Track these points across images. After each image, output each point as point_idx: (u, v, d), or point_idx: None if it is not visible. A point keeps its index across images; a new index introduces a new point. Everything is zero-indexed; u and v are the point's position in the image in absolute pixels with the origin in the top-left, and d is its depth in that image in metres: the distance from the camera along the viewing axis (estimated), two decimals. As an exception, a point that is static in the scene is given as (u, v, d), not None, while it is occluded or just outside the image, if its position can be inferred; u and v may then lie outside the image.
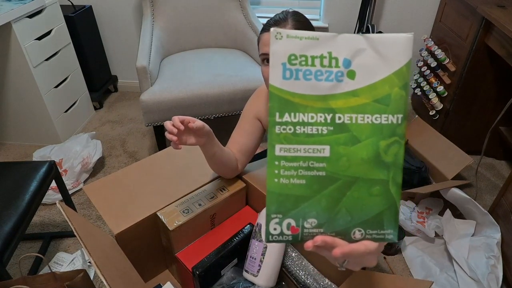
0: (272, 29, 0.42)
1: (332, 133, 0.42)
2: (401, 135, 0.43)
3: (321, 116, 0.42)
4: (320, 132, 0.42)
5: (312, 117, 0.42)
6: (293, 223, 0.43)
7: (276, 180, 0.42)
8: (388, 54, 0.42)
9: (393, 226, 0.44)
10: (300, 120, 0.42)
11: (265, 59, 0.90)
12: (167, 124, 0.80)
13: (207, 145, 0.91)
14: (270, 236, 0.43)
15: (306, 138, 0.42)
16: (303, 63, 0.42)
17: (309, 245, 0.43)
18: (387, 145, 0.43)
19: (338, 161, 0.42)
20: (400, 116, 0.43)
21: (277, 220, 0.42)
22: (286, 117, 0.42)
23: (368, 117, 0.43)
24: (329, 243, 0.44)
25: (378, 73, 0.42)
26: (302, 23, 0.89)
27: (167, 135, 0.81)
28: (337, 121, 0.42)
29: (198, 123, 0.82)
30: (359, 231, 0.44)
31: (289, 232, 0.43)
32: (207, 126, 0.87)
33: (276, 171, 0.42)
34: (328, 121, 0.42)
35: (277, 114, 0.42)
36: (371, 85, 0.42)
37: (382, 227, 0.44)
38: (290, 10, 0.93)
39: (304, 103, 0.42)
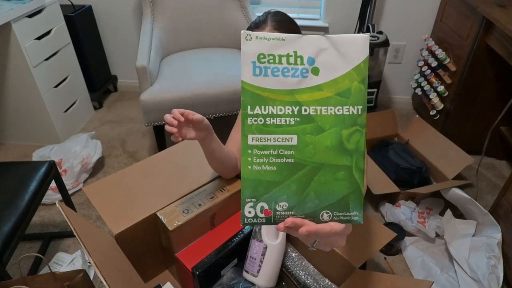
0: (242, 31, 0.46)
1: (299, 124, 0.47)
2: (361, 124, 0.47)
3: (288, 109, 0.47)
4: (288, 123, 0.47)
5: (281, 110, 0.47)
6: (266, 206, 0.47)
7: (249, 167, 0.46)
8: (348, 52, 0.47)
9: (358, 208, 0.48)
10: (270, 112, 0.47)
11: None
12: (167, 117, 0.80)
13: (206, 140, 0.91)
14: (246, 219, 0.47)
15: (275, 128, 0.46)
16: (271, 61, 0.46)
17: (280, 226, 0.47)
18: (349, 134, 0.47)
19: (305, 149, 0.47)
20: (360, 107, 0.47)
21: (251, 204, 0.47)
22: (257, 110, 0.46)
23: (331, 109, 0.47)
24: (298, 224, 0.47)
25: (339, 69, 0.47)
26: (281, 22, 0.91)
27: (167, 127, 0.81)
28: (303, 113, 0.47)
29: (197, 115, 0.83)
30: (327, 213, 0.48)
31: (262, 215, 0.47)
32: (206, 120, 0.88)
33: (249, 159, 0.46)
34: (295, 113, 0.47)
35: (249, 107, 0.46)
36: (333, 80, 0.47)
37: (348, 209, 0.48)
38: (272, 11, 0.94)
39: (273, 97, 0.46)
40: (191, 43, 2.19)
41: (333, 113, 0.47)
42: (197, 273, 0.96)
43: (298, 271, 1.02)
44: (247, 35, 0.46)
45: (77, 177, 1.83)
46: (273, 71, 0.46)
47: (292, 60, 0.47)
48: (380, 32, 2.06)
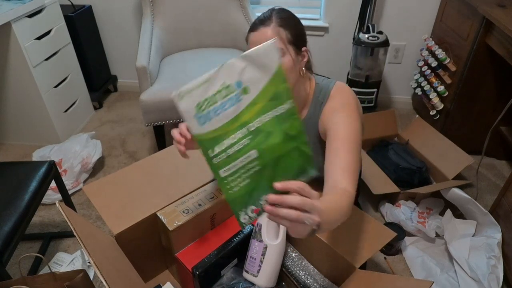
0: (173, 94, 0.49)
1: (252, 139, 0.53)
2: (294, 112, 0.55)
3: (239, 133, 0.53)
4: (244, 144, 0.53)
5: (234, 138, 0.52)
6: (253, 207, 0.55)
7: (230, 192, 0.53)
8: (264, 62, 0.52)
9: (312, 166, 0.59)
10: (227, 145, 0.52)
11: None
12: (175, 134, 0.82)
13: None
14: (244, 225, 0.55)
15: (237, 153, 0.52)
16: (209, 104, 0.51)
17: (267, 208, 0.53)
18: (289, 125, 0.55)
19: (264, 154, 0.54)
20: (289, 101, 0.55)
21: (243, 213, 0.54)
22: (216, 150, 0.52)
23: (269, 114, 0.54)
24: (278, 200, 0.53)
25: (263, 79, 0.53)
26: (285, 19, 0.91)
27: (175, 144, 0.84)
28: (251, 129, 0.53)
29: None
30: None
31: (254, 214, 0.55)
32: None
33: (227, 186, 0.53)
34: (246, 133, 0.53)
35: (209, 151, 0.52)
36: (261, 90, 0.53)
37: (307, 172, 0.58)
38: (276, 7, 0.94)
39: (224, 132, 0.52)
40: (191, 43, 2.19)
41: (272, 117, 0.54)
42: (197, 273, 0.96)
43: (298, 271, 1.01)
44: (177, 95, 0.49)
45: (77, 177, 1.83)
46: (215, 112, 0.51)
47: (224, 92, 0.51)
48: (380, 32, 2.06)
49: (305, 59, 0.96)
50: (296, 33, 0.92)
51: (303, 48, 0.95)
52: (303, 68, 0.97)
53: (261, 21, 0.92)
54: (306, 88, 1.01)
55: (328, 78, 1.06)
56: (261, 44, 0.51)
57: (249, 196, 0.54)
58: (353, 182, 0.86)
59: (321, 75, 1.06)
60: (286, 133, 0.55)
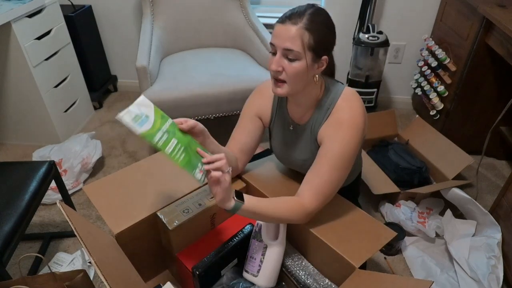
0: (118, 116, 0.77)
1: (169, 135, 0.82)
2: (175, 124, 0.86)
3: (160, 132, 0.81)
4: (166, 137, 0.81)
5: (160, 134, 0.80)
6: (198, 170, 0.84)
7: (179, 161, 0.80)
8: (146, 105, 0.83)
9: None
10: (159, 137, 0.80)
11: (272, 49, 0.90)
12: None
13: (204, 144, 0.93)
14: (199, 181, 0.84)
15: (167, 141, 0.81)
16: (137, 119, 0.79)
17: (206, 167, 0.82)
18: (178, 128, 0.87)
19: (180, 141, 0.84)
20: (169, 119, 0.86)
21: (195, 172, 0.83)
22: (155, 139, 0.79)
23: (166, 124, 0.84)
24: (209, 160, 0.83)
25: (150, 112, 0.83)
26: (316, 23, 0.85)
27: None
28: (164, 130, 0.82)
29: (189, 122, 0.87)
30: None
31: (200, 174, 0.84)
32: (200, 124, 0.90)
33: (175, 158, 0.80)
34: (163, 132, 0.82)
35: (153, 140, 0.79)
36: (154, 116, 0.83)
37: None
38: (316, 6, 0.89)
39: (153, 131, 0.80)
40: (191, 43, 2.19)
41: (169, 124, 0.84)
42: (197, 273, 0.96)
43: (298, 271, 1.02)
44: (121, 115, 0.78)
45: (77, 177, 1.83)
46: (142, 123, 0.79)
47: (138, 117, 0.80)
48: (380, 32, 2.06)
49: (322, 68, 0.92)
50: (320, 40, 0.86)
51: (323, 57, 0.90)
52: (317, 75, 0.94)
53: (291, 16, 0.86)
54: (316, 92, 0.98)
55: (337, 81, 1.02)
56: (137, 101, 0.82)
57: (191, 163, 0.83)
58: (318, 203, 0.95)
59: (331, 78, 1.02)
60: (180, 131, 0.87)
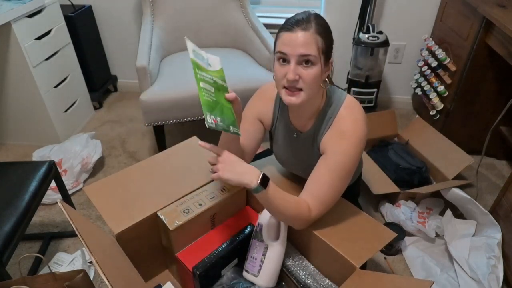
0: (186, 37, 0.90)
1: (212, 83, 0.87)
2: (224, 87, 0.91)
3: (208, 75, 0.88)
4: (209, 81, 0.87)
5: (206, 74, 0.88)
6: (213, 117, 0.82)
7: (203, 97, 0.83)
8: (213, 62, 0.94)
9: (235, 125, 0.89)
10: (203, 75, 0.86)
11: (280, 58, 0.87)
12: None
13: (239, 112, 0.96)
14: (207, 123, 0.80)
15: (206, 81, 0.86)
16: (196, 53, 0.89)
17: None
18: (223, 94, 0.90)
19: (216, 94, 0.87)
20: (224, 79, 0.93)
21: (208, 116, 0.81)
22: (198, 73, 0.85)
23: (220, 81, 0.91)
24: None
25: (216, 66, 0.93)
26: (323, 27, 0.87)
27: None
28: (212, 79, 0.88)
29: (237, 98, 0.92)
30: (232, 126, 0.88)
31: (212, 121, 0.81)
32: (240, 107, 0.95)
33: (202, 93, 0.83)
34: (210, 78, 0.88)
35: (196, 69, 0.85)
36: (216, 70, 0.92)
37: (234, 124, 0.89)
38: (312, 12, 0.90)
39: (203, 69, 0.88)
40: (191, 43, 2.19)
41: (220, 83, 0.91)
42: (197, 272, 0.96)
43: (298, 271, 1.02)
44: (188, 39, 0.89)
45: (77, 177, 1.83)
46: (199, 58, 0.88)
47: (201, 57, 0.90)
48: (380, 32, 2.06)
49: (329, 71, 0.92)
50: (329, 43, 0.88)
51: (330, 60, 0.91)
52: (323, 80, 0.93)
53: (299, 23, 0.85)
54: (318, 100, 0.97)
55: (335, 86, 1.02)
56: (212, 56, 0.93)
57: (212, 108, 0.84)
58: (318, 212, 0.95)
59: (330, 85, 1.03)
60: (222, 93, 0.90)
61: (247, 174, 0.84)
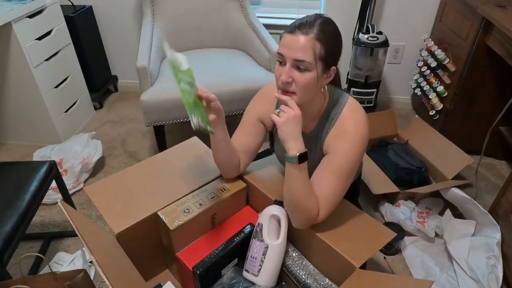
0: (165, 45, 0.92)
1: (189, 83, 0.88)
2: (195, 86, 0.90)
3: (186, 75, 0.88)
4: (187, 81, 0.88)
5: (184, 76, 0.88)
6: (196, 119, 0.86)
7: (185, 98, 0.86)
8: (180, 61, 0.91)
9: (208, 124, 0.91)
10: (180, 77, 0.88)
11: (279, 58, 0.88)
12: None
13: (216, 124, 0.94)
14: (193, 124, 0.86)
15: (186, 83, 0.88)
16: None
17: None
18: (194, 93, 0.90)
19: (193, 94, 0.88)
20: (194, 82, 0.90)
21: (192, 117, 0.86)
22: (179, 75, 0.89)
23: (191, 80, 0.90)
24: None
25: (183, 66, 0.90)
26: (326, 33, 0.84)
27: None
28: (189, 80, 0.88)
29: (210, 94, 0.90)
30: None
31: (198, 123, 0.86)
32: (218, 103, 0.92)
33: (184, 94, 0.86)
34: (189, 77, 0.88)
35: (176, 71, 0.90)
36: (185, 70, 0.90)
37: (210, 123, 0.92)
38: (323, 16, 0.88)
39: (180, 72, 0.89)
40: (191, 43, 2.20)
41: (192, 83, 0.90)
42: (198, 272, 0.96)
43: (298, 271, 1.02)
44: (169, 48, 0.92)
45: (78, 177, 1.83)
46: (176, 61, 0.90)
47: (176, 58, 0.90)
48: (380, 32, 2.06)
49: (330, 78, 0.92)
50: (330, 50, 0.86)
51: (332, 68, 0.89)
52: (325, 85, 0.94)
53: (301, 26, 0.84)
54: (321, 102, 0.98)
55: (337, 87, 1.02)
56: (177, 54, 0.90)
57: (192, 108, 0.86)
58: (324, 212, 0.95)
59: (333, 86, 1.02)
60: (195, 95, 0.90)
61: (296, 142, 0.86)
